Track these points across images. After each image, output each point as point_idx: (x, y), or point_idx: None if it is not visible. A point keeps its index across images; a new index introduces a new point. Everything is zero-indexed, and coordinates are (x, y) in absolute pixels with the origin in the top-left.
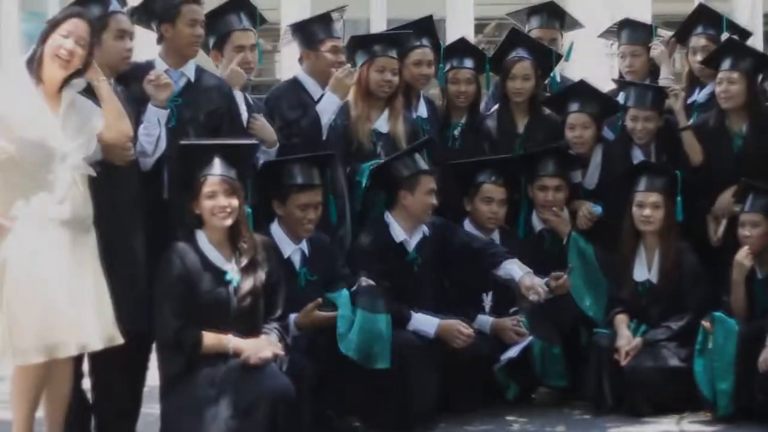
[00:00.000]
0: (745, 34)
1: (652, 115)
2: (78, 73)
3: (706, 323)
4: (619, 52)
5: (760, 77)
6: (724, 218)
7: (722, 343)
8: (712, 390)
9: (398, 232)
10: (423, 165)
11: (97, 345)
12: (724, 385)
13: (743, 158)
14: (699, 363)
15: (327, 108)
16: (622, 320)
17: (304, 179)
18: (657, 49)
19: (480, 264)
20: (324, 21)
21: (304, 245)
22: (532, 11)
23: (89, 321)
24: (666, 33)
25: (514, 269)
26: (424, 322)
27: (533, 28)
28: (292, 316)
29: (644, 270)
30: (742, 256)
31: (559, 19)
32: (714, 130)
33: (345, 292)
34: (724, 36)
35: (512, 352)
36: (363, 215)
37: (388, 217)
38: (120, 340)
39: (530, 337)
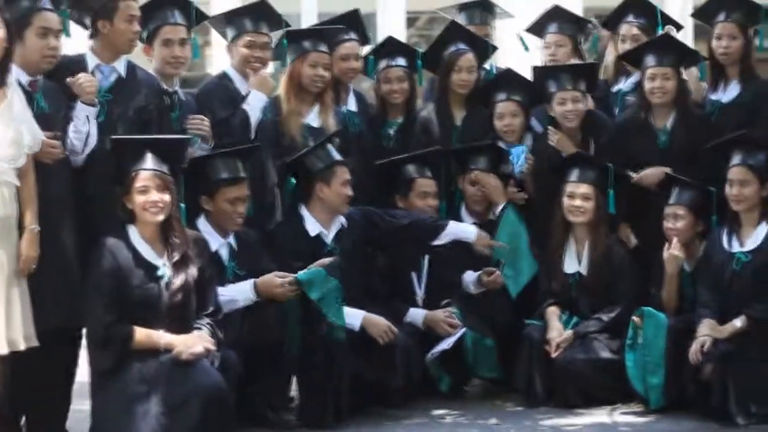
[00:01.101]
0: (676, 27)
1: (578, 95)
2: (5, 61)
3: (636, 318)
4: (545, 41)
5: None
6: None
7: (652, 337)
8: (644, 384)
9: (313, 226)
10: (337, 156)
11: (3, 349)
12: (655, 380)
13: (668, 153)
14: (629, 358)
15: (254, 106)
16: (553, 312)
17: (232, 173)
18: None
19: (418, 237)
20: (251, 13)
21: (231, 239)
22: (463, 8)
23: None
24: (595, 26)
25: (465, 231)
26: (350, 315)
27: (466, 25)
28: (251, 281)
29: (574, 262)
30: (674, 249)
31: (490, 13)
32: (638, 127)
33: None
34: (660, 30)
35: (445, 344)
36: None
37: (303, 211)
38: (21, 346)
39: (463, 329)
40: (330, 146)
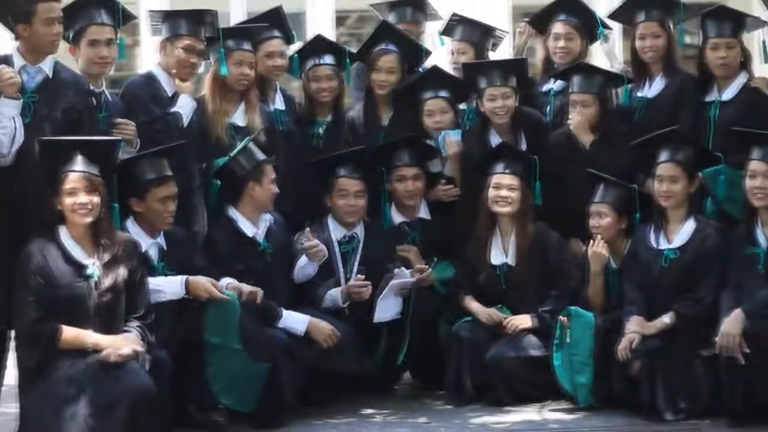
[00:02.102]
0: (605, 27)
1: (509, 92)
2: None
3: (562, 318)
4: (450, 49)
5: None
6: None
7: (579, 336)
8: (572, 383)
9: (247, 227)
10: (262, 155)
11: None
12: (583, 379)
13: (594, 167)
14: (557, 357)
15: (185, 109)
16: (470, 300)
17: (160, 172)
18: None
19: None
20: (193, 17)
21: (161, 239)
22: (394, 5)
23: None
24: (502, 34)
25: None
26: (295, 320)
27: (396, 23)
28: (183, 277)
29: (500, 254)
30: (598, 246)
31: (421, 12)
32: (565, 148)
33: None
34: (600, 35)
35: (399, 278)
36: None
37: (233, 213)
38: None
39: (412, 278)
40: (253, 145)
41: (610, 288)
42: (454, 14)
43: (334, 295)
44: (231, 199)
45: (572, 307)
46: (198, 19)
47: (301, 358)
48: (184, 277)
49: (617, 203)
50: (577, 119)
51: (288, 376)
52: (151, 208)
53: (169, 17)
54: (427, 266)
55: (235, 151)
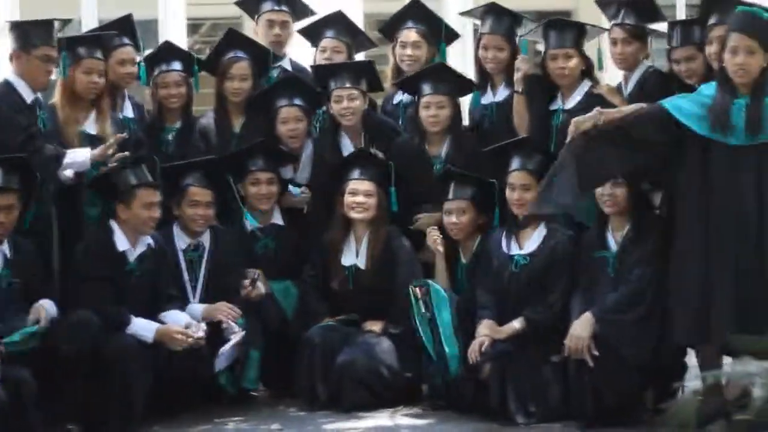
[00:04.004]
0: (454, 35)
1: (355, 93)
2: None
3: (416, 289)
4: (320, 46)
5: None
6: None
7: (438, 312)
8: (441, 355)
9: (121, 241)
10: (142, 178)
11: None
12: (451, 349)
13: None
14: (423, 331)
15: (74, 162)
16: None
17: None
18: None
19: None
20: (45, 27)
21: (5, 248)
22: None
23: None
24: (369, 45)
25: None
26: (143, 327)
27: (265, 12)
28: None
29: (352, 256)
30: (433, 242)
31: (289, 5)
32: (415, 155)
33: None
34: (442, 51)
35: (226, 351)
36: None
37: (114, 225)
38: None
39: (242, 332)
40: (131, 169)
41: (458, 284)
42: (338, 12)
43: (193, 311)
44: (111, 212)
45: (429, 281)
46: (49, 28)
47: (150, 365)
48: None
49: (476, 198)
50: (443, 114)
51: (137, 382)
52: None
53: (18, 28)
54: (248, 285)
55: (111, 167)
